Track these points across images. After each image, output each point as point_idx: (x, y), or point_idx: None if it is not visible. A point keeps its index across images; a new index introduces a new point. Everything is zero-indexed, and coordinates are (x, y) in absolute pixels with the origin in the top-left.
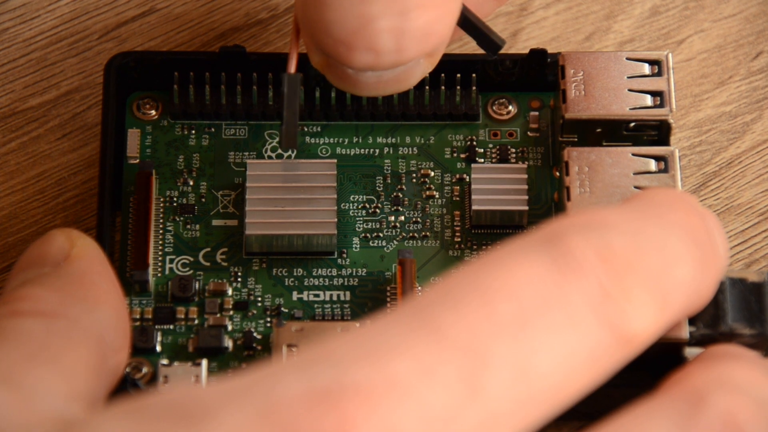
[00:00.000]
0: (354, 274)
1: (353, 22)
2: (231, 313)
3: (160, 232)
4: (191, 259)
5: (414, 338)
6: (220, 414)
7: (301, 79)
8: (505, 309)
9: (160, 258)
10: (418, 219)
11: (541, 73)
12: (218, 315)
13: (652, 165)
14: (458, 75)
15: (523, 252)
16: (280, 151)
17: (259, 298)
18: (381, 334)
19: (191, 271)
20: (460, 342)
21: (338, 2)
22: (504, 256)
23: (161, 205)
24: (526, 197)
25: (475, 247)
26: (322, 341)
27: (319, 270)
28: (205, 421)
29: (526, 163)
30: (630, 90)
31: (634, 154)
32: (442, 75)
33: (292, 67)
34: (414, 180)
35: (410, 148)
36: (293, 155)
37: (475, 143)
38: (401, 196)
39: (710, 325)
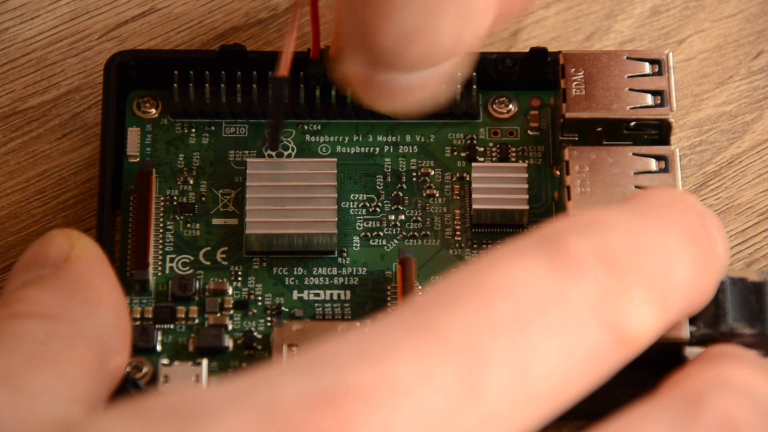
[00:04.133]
0: (354, 273)
1: (417, 17)
2: (231, 312)
3: (161, 231)
4: (191, 258)
5: (413, 339)
6: (220, 415)
7: (287, 81)
8: (503, 310)
9: (160, 257)
10: (419, 218)
11: (542, 71)
12: (218, 314)
13: (653, 164)
14: (458, 73)
15: (522, 252)
16: (279, 149)
17: (260, 298)
18: (380, 335)
19: (191, 271)
20: (458, 343)
21: None
22: (502, 256)
23: (161, 204)
24: (527, 196)
25: (475, 246)
26: (321, 342)
27: (320, 269)
28: (205, 422)
29: (527, 162)
30: (630, 89)
31: (634, 154)
32: None
33: (282, 69)
34: (414, 179)
35: (410, 147)
36: (293, 154)
37: (475, 142)
38: (401, 194)
39: (711, 324)
